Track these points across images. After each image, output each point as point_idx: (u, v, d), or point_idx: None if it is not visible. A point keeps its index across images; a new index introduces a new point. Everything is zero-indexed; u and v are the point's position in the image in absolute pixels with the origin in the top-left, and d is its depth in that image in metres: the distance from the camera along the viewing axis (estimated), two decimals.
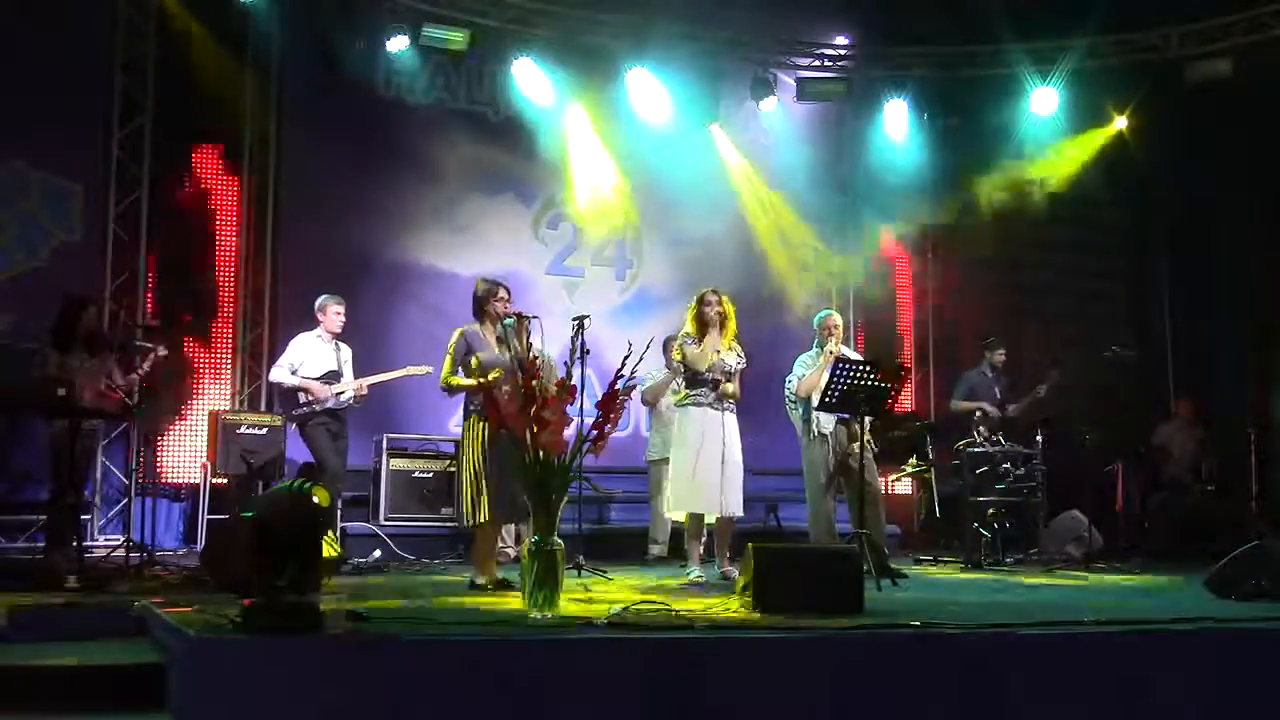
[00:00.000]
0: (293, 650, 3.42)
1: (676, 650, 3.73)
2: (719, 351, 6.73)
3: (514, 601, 4.75)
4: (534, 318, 6.17)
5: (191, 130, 9.12)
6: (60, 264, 8.53)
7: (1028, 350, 10.44)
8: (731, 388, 6.79)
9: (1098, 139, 10.83)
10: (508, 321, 6.14)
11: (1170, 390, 11.05)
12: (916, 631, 4.03)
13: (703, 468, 6.63)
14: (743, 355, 6.88)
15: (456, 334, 6.21)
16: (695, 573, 6.67)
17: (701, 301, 6.82)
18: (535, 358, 5.38)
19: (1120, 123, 10.73)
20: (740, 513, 6.85)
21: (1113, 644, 4.04)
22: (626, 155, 10.46)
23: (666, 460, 8.51)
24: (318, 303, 7.78)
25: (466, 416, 6.14)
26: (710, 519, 6.88)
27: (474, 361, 6.05)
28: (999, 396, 9.19)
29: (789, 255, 10.86)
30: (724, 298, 6.84)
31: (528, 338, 6.08)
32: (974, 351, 9.69)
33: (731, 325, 6.82)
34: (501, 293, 6.30)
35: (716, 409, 6.72)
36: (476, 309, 6.29)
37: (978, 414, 8.90)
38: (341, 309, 7.78)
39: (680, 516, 7.00)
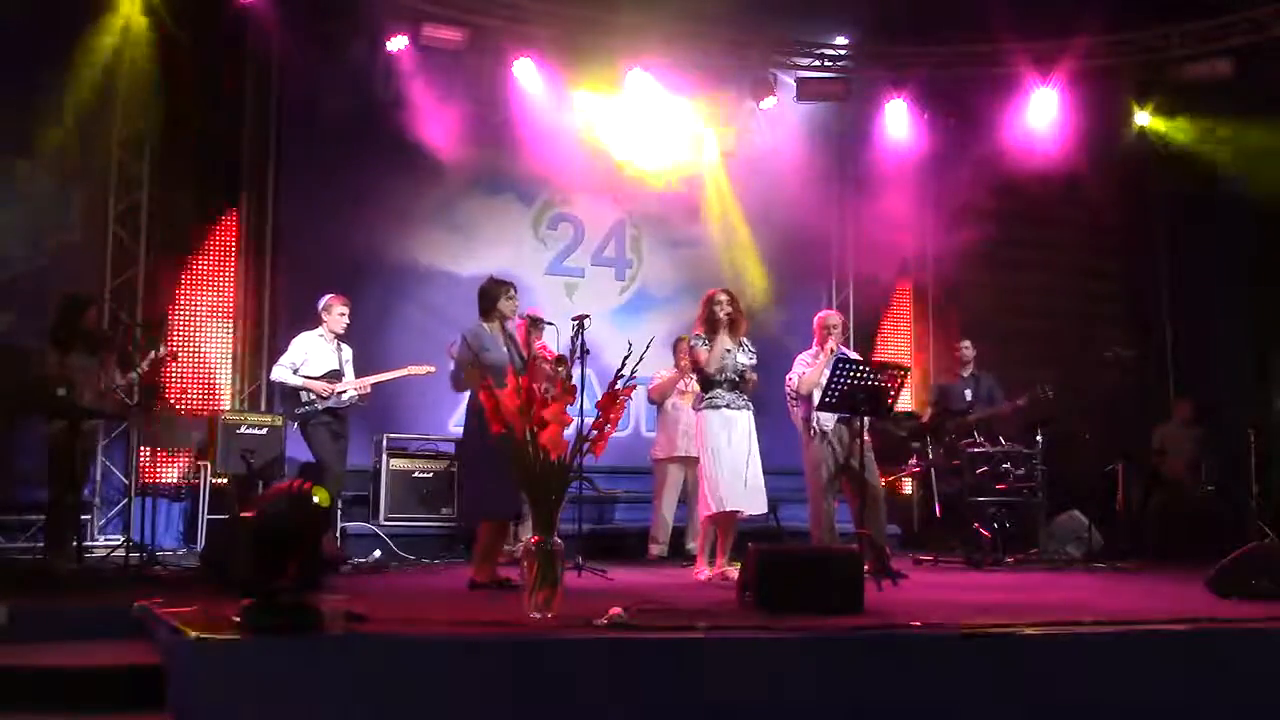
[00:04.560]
0: (293, 650, 3.42)
1: (676, 650, 3.72)
2: (729, 350, 6.74)
3: (514, 601, 4.75)
4: (549, 324, 6.21)
5: (191, 130, 9.11)
6: (60, 264, 8.53)
7: (1026, 351, 10.44)
8: (753, 379, 6.81)
9: (1098, 139, 10.82)
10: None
11: (1170, 390, 11.05)
12: (916, 631, 4.03)
13: (741, 468, 6.63)
14: (753, 352, 6.89)
15: (466, 333, 6.21)
16: (705, 573, 6.67)
17: (711, 302, 6.83)
18: (535, 358, 5.40)
19: (1120, 122, 10.72)
20: (765, 509, 6.86)
21: (1113, 644, 4.03)
22: (626, 155, 10.45)
23: (672, 460, 8.55)
24: (322, 302, 7.79)
25: None
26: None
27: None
28: (968, 398, 9.19)
29: (788, 255, 10.86)
30: (734, 297, 6.86)
31: (538, 339, 6.12)
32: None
33: (742, 324, 6.83)
34: (511, 291, 6.32)
35: (735, 408, 6.73)
36: (486, 308, 6.29)
37: (936, 418, 9.03)
38: (346, 310, 7.79)
39: (700, 516, 6.95)
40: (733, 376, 6.73)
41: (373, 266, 9.35)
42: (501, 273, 6.75)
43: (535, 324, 6.60)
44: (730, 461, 6.62)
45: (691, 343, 6.91)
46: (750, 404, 6.82)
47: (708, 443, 6.71)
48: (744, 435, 6.72)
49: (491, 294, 6.29)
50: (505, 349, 6.17)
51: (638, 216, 10.70)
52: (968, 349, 9.43)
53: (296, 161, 9.40)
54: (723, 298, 6.82)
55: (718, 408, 6.71)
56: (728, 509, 6.65)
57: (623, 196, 10.57)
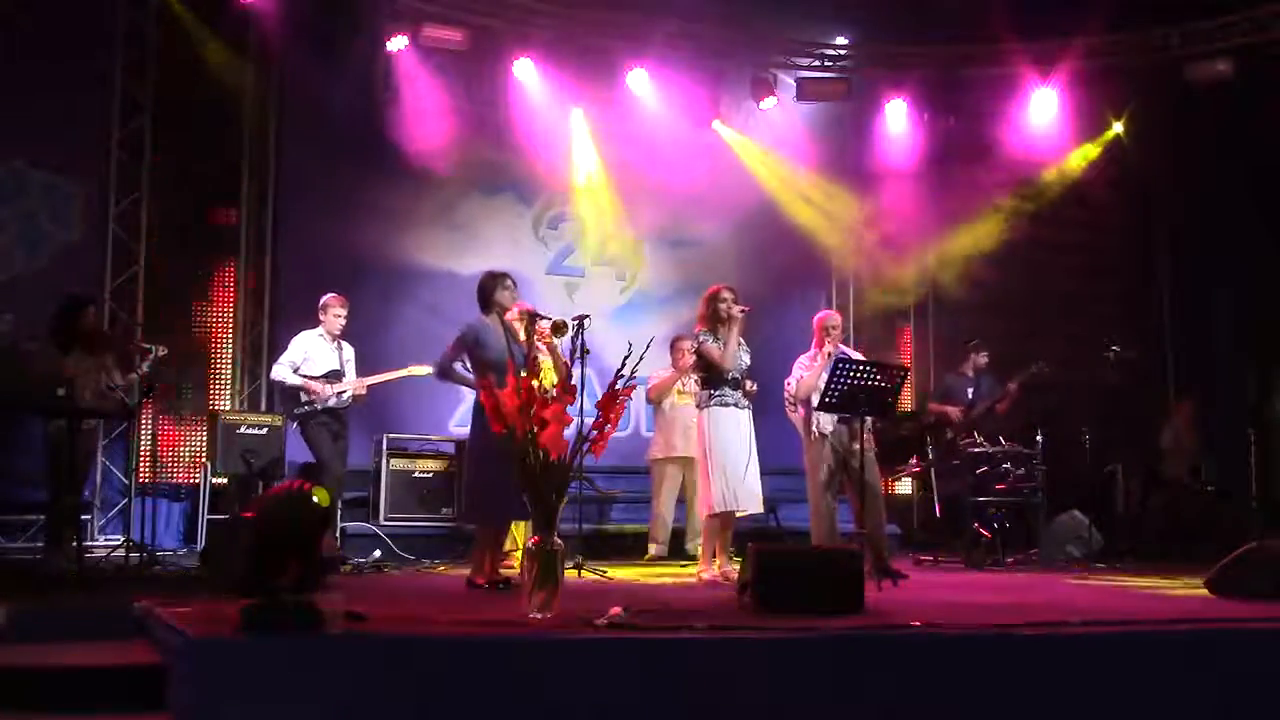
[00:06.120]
0: (293, 650, 3.42)
1: (676, 650, 3.72)
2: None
3: (513, 602, 4.75)
4: (544, 318, 6.22)
5: (192, 130, 9.12)
6: (60, 264, 8.54)
7: (1025, 351, 10.42)
8: (752, 388, 6.81)
9: (1098, 139, 10.83)
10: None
11: (1170, 390, 11.04)
12: (916, 631, 4.03)
13: (746, 467, 6.62)
14: (749, 353, 6.89)
15: (465, 327, 6.22)
16: (712, 572, 6.66)
17: (716, 298, 6.73)
18: (535, 357, 5.39)
19: (1120, 123, 10.73)
20: (761, 509, 6.87)
21: (1112, 644, 4.03)
22: (627, 155, 10.45)
23: (670, 460, 8.54)
24: (321, 301, 7.79)
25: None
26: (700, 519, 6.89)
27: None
28: (970, 398, 9.18)
29: (788, 254, 10.85)
30: (737, 294, 6.82)
31: (539, 337, 6.12)
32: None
33: (742, 322, 6.81)
34: (507, 282, 6.32)
35: (740, 408, 6.72)
36: (485, 301, 6.29)
37: (937, 416, 8.99)
38: (343, 312, 7.78)
39: (701, 515, 6.93)
40: (737, 375, 6.73)
41: (373, 266, 9.35)
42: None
43: (532, 319, 6.55)
44: (739, 460, 6.61)
45: (701, 339, 6.76)
46: (750, 404, 6.83)
47: (717, 441, 6.63)
48: (747, 435, 6.72)
49: (488, 287, 6.30)
50: (505, 343, 6.16)
51: (638, 216, 10.69)
52: (982, 356, 9.38)
53: (296, 161, 9.40)
54: (727, 295, 6.72)
55: (727, 405, 6.68)
56: (738, 508, 6.64)
57: (623, 197, 10.56)
